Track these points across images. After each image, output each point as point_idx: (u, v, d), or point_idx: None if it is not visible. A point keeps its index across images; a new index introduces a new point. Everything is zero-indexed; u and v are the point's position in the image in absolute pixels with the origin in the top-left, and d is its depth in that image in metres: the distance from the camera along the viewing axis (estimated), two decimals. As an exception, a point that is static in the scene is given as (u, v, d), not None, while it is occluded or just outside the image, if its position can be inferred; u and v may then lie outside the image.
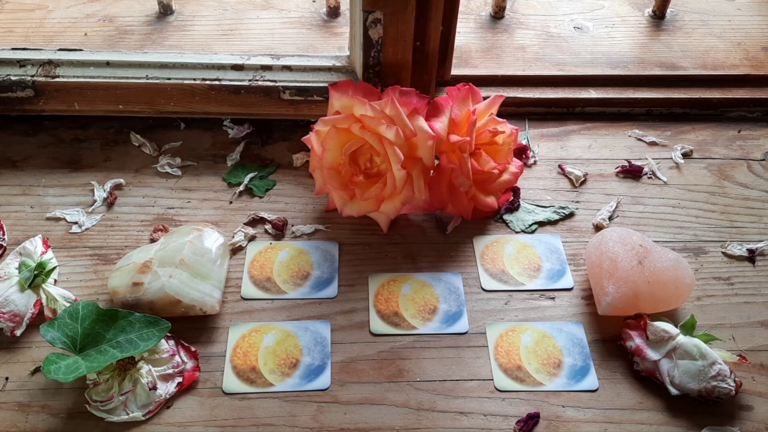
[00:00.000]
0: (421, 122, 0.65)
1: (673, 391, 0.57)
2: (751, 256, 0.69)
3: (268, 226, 0.71)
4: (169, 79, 0.75)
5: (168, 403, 0.57)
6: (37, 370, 0.59)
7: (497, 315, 0.64)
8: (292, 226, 0.71)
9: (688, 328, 0.60)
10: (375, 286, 0.66)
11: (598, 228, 0.72)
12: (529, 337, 0.63)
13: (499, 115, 0.72)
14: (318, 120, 0.68)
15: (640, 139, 0.81)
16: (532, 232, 0.71)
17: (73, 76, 0.75)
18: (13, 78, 0.74)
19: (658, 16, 0.94)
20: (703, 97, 0.83)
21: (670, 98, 0.83)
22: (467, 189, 0.68)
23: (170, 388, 0.57)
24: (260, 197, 0.74)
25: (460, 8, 0.76)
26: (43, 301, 0.62)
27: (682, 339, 0.59)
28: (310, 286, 0.66)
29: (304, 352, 0.61)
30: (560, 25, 0.93)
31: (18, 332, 0.60)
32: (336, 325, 0.63)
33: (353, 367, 0.60)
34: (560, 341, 0.62)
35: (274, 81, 0.75)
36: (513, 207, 0.73)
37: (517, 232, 0.71)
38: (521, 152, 0.78)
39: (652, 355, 0.59)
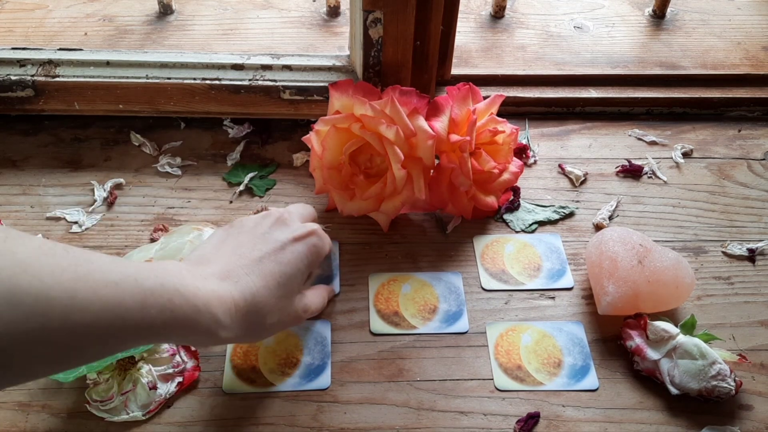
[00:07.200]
0: (421, 122, 0.65)
1: (673, 390, 0.57)
2: (752, 256, 0.69)
3: (268, 226, 0.71)
4: (169, 78, 0.75)
5: (168, 402, 0.57)
6: (37, 369, 0.59)
7: (497, 314, 0.64)
8: (292, 225, 0.71)
9: (688, 328, 0.60)
10: (375, 286, 0.66)
11: (598, 227, 0.71)
12: (529, 336, 0.63)
13: (499, 114, 0.72)
14: (318, 120, 0.68)
15: (640, 139, 0.81)
16: (532, 231, 0.71)
17: (73, 76, 0.75)
18: (13, 78, 0.74)
19: (658, 15, 0.94)
20: (703, 96, 0.83)
21: (670, 98, 0.83)
22: (467, 189, 0.68)
23: (170, 387, 0.57)
24: (260, 197, 0.74)
25: (460, 8, 0.76)
26: (43, 300, 0.61)
27: (682, 338, 0.59)
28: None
29: (304, 352, 0.61)
30: (560, 25, 0.93)
31: (18, 332, 0.60)
32: (336, 324, 0.63)
33: (353, 366, 0.60)
34: (560, 341, 0.62)
35: (274, 80, 0.75)
36: (513, 206, 0.73)
37: (517, 232, 0.71)
38: (521, 152, 0.78)
39: (652, 354, 0.59)
